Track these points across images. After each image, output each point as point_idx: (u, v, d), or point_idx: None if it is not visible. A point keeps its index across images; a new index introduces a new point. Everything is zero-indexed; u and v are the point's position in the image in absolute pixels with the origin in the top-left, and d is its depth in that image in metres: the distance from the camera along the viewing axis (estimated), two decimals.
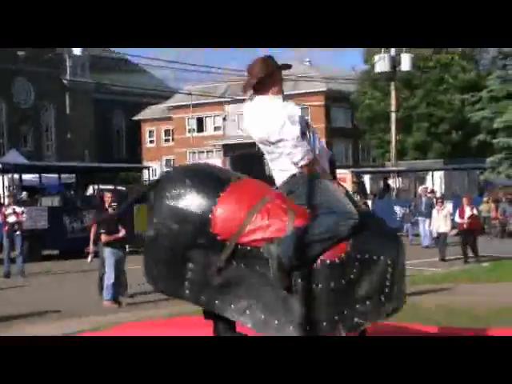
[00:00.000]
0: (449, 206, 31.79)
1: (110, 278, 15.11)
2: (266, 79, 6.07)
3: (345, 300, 5.73)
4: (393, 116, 46.86)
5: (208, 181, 6.08)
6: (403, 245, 6.25)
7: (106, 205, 16.25)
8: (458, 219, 21.65)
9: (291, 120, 5.87)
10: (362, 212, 6.15)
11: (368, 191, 39.43)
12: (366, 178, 43.12)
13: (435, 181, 40.67)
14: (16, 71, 63.84)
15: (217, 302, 5.90)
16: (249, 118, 6.27)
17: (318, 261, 5.75)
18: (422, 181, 42.78)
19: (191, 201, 5.90)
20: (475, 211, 22.66)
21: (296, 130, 5.84)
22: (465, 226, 21.42)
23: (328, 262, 5.75)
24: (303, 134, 5.92)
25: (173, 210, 5.92)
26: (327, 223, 5.76)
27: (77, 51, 70.88)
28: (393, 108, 47.09)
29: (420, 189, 33.57)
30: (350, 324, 5.73)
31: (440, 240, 21.97)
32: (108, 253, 15.30)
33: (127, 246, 17.65)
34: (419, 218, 28.11)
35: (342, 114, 71.00)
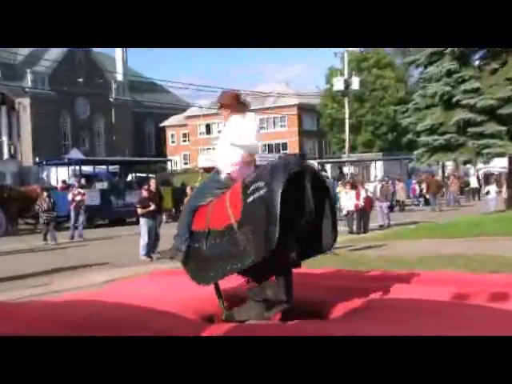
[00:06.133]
0: (397, 185, 31.92)
1: (144, 239, 15.12)
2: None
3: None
4: (346, 122, 46.85)
5: None
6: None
7: (152, 188, 16.18)
8: (355, 200, 20.40)
9: None
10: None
11: (329, 175, 39.34)
12: (328, 167, 43.11)
13: (377, 168, 40.77)
14: (77, 93, 63.57)
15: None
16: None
17: None
18: (368, 168, 42.86)
19: None
20: (369, 194, 21.66)
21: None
22: (359, 205, 20.19)
23: None
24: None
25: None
26: None
27: (119, 77, 70.49)
28: (346, 116, 47.09)
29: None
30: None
31: (348, 217, 20.59)
32: (142, 221, 15.31)
33: (164, 217, 17.54)
34: None
35: (310, 120, 70.74)
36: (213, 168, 6.09)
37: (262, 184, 5.12)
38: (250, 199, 5.17)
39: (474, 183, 41.43)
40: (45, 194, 21.10)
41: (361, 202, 20.06)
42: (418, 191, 37.06)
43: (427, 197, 34.20)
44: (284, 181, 5.02)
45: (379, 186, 23.45)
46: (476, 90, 25.82)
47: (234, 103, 5.89)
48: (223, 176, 5.75)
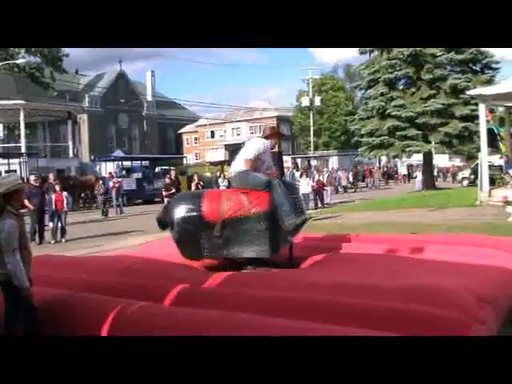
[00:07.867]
0: (339, 173, 32.15)
1: None
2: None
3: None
4: (311, 128, 46.90)
5: (192, 197, 5.98)
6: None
7: (173, 177, 16.16)
8: (311, 183, 20.06)
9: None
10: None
11: (299, 167, 39.32)
12: (298, 160, 43.14)
13: (334, 161, 40.89)
14: (119, 110, 63.19)
15: (224, 252, 5.64)
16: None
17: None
18: (327, 162, 42.94)
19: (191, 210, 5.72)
20: (321, 178, 21.51)
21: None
22: (314, 187, 20.01)
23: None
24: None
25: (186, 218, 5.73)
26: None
27: (149, 98, 69.84)
28: (311, 124, 47.14)
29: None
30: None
31: (303, 197, 19.99)
32: (166, 201, 15.31)
33: None
34: None
35: (285, 127, 70.59)
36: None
37: None
38: None
39: (404, 171, 42.33)
40: (100, 182, 21.21)
41: (315, 184, 20.15)
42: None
43: (352, 182, 34.44)
44: None
45: (326, 176, 23.66)
46: (401, 106, 26.22)
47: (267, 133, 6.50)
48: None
